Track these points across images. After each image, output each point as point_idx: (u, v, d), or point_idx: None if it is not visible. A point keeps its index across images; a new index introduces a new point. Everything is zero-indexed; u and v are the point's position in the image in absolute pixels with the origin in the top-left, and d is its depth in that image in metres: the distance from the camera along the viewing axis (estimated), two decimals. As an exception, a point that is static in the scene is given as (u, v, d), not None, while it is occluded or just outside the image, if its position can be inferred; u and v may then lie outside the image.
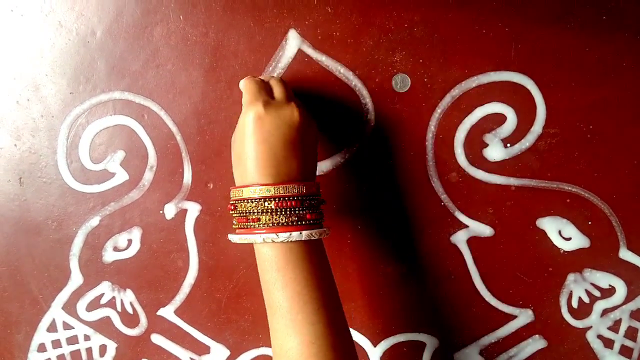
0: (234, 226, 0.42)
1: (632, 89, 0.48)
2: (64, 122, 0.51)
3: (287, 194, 0.39)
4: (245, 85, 0.43)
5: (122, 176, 0.51)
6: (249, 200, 0.40)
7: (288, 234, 0.38)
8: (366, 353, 0.52)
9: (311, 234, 0.39)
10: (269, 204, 0.39)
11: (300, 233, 0.39)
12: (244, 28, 0.49)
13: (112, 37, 0.50)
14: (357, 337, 0.52)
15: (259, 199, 0.39)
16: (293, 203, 0.39)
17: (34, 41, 0.50)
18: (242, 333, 0.52)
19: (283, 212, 0.39)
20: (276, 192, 0.39)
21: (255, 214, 0.39)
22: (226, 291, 0.52)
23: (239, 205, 0.41)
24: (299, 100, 0.45)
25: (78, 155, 0.51)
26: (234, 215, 0.42)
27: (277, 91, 0.44)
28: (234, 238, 0.41)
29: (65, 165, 0.52)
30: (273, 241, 0.39)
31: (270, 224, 0.39)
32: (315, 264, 0.40)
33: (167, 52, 0.50)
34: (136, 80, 0.50)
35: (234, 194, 0.41)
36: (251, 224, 0.40)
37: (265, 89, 0.43)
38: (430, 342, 0.52)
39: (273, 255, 0.39)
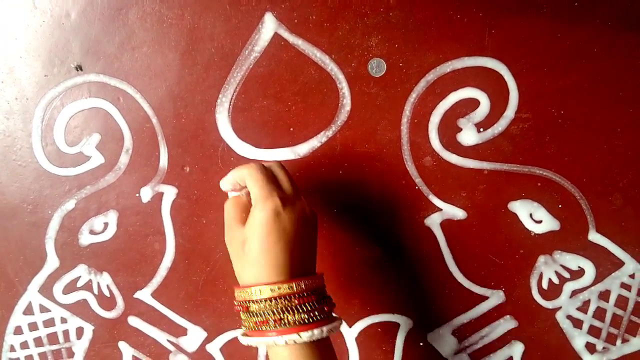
0: (243, 327, 0.40)
1: (603, 74, 0.49)
2: (38, 105, 0.51)
3: (307, 288, 0.38)
4: (251, 176, 0.41)
5: (97, 159, 0.51)
6: (269, 300, 0.38)
7: (310, 332, 0.37)
8: (341, 334, 0.53)
9: (331, 329, 0.38)
10: (290, 302, 0.38)
11: (322, 330, 0.38)
12: (220, 11, 0.49)
13: (87, 19, 0.50)
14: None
15: (279, 297, 0.37)
16: (313, 298, 0.38)
17: (7, 23, 0.50)
18: (219, 315, 0.53)
19: (304, 309, 0.38)
20: (297, 288, 0.38)
21: (277, 313, 0.37)
22: (203, 274, 0.52)
23: (253, 305, 0.38)
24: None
25: (53, 138, 0.51)
26: (245, 317, 0.39)
27: (285, 182, 0.42)
28: (248, 341, 0.39)
29: (41, 148, 0.51)
30: (295, 342, 0.37)
31: (292, 323, 0.37)
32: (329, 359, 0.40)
33: (142, 35, 0.50)
34: (111, 63, 0.50)
35: (245, 294, 0.39)
36: (272, 325, 0.38)
37: (274, 180, 0.42)
38: (404, 323, 0.53)
39: (293, 357, 0.38)
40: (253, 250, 0.39)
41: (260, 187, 0.40)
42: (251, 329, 0.39)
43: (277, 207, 0.39)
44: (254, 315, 0.39)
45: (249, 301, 0.39)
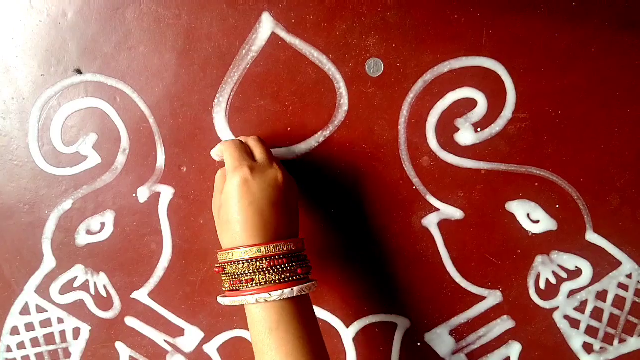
0: (224, 288, 0.42)
1: (600, 74, 0.49)
2: (35, 105, 0.51)
3: (278, 252, 0.40)
4: (226, 149, 0.44)
5: (94, 159, 0.51)
6: (240, 262, 0.40)
7: (280, 291, 0.39)
8: (339, 334, 0.53)
9: (302, 289, 0.40)
10: (260, 263, 0.40)
11: (292, 289, 0.40)
12: (217, 10, 0.49)
13: (84, 19, 0.49)
14: (330, 318, 0.53)
15: (250, 259, 0.40)
16: (284, 260, 0.40)
17: (4, 22, 0.50)
18: (216, 315, 0.53)
19: (275, 270, 0.40)
20: (267, 251, 0.40)
21: (248, 274, 0.40)
22: (200, 274, 0.52)
23: (228, 267, 0.41)
24: (277, 159, 0.46)
25: (50, 138, 0.51)
26: (223, 278, 0.42)
27: (258, 152, 0.45)
28: (224, 301, 0.42)
29: (37, 148, 0.51)
30: (266, 300, 0.39)
31: (264, 283, 0.40)
32: (305, 321, 0.41)
33: (139, 34, 0.49)
34: (108, 63, 0.50)
35: (223, 256, 0.42)
36: (244, 285, 0.40)
37: (246, 151, 0.44)
38: (401, 323, 0.53)
39: (265, 316, 0.40)
40: (226, 216, 0.42)
41: (232, 158, 0.43)
42: (227, 290, 0.42)
43: (245, 175, 0.41)
44: (229, 277, 0.41)
45: (225, 263, 0.42)
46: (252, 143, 0.46)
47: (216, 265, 0.43)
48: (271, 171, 0.43)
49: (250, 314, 0.41)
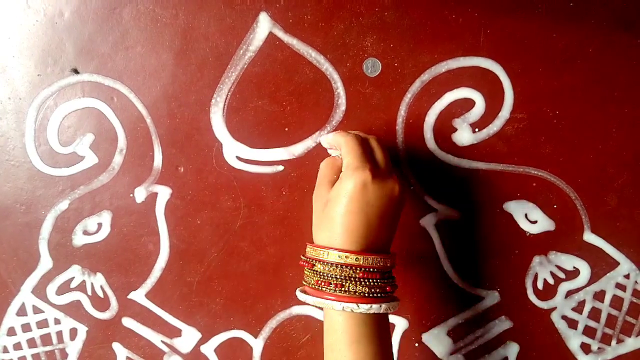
0: (306, 283, 0.41)
1: (598, 74, 0.49)
2: (31, 105, 0.50)
3: (374, 265, 0.39)
4: (347, 142, 0.42)
5: (91, 159, 0.51)
6: (334, 265, 0.39)
7: (369, 305, 0.38)
8: (336, 335, 0.53)
9: (389, 307, 0.39)
10: (354, 272, 0.38)
11: (380, 306, 0.38)
12: (214, 10, 0.49)
13: (81, 18, 0.49)
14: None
15: (345, 265, 0.38)
16: (377, 275, 0.39)
17: (0, 22, 0.49)
18: (214, 316, 0.53)
19: (366, 283, 0.39)
20: (365, 262, 0.38)
21: (339, 279, 0.39)
22: (197, 274, 0.52)
23: (319, 265, 0.40)
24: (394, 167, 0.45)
25: (47, 138, 0.51)
26: (308, 273, 0.41)
27: (380, 157, 0.42)
28: (306, 298, 0.40)
29: (34, 148, 0.51)
30: (352, 310, 0.38)
31: (353, 292, 0.38)
32: (384, 338, 0.40)
33: (136, 34, 0.49)
34: (105, 63, 0.50)
35: (315, 252, 0.40)
36: (333, 288, 0.39)
37: (368, 152, 0.42)
38: (399, 323, 0.52)
39: (348, 327, 0.39)
40: (332, 213, 0.40)
41: (354, 156, 0.41)
42: (311, 286, 0.40)
43: (365, 179, 0.39)
44: (317, 274, 0.40)
45: (316, 260, 0.40)
46: (374, 144, 0.43)
47: (303, 257, 0.41)
48: (390, 181, 0.40)
49: (330, 320, 0.40)
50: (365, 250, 0.39)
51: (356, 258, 0.38)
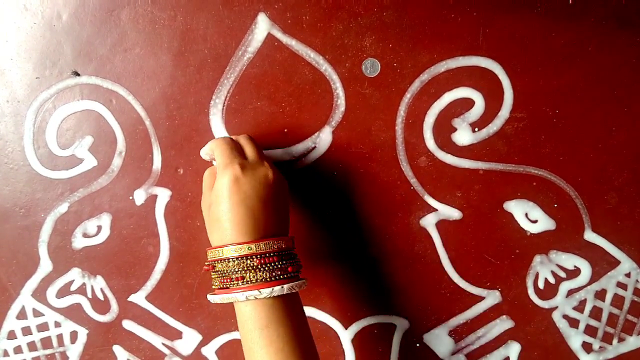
0: (213, 286, 0.42)
1: (597, 73, 0.49)
2: (30, 108, 0.50)
3: (268, 249, 0.40)
4: (217, 146, 0.44)
5: (90, 162, 0.51)
6: (230, 260, 0.40)
7: (270, 289, 0.39)
8: (337, 336, 0.53)
9: (292, 287, 0.40)
10: (251, 261, 0.40)
11: (282, 287, 0.39)
12: (213, 11, 0.49)
13: (79, 21, 0.49)
14: (328, 320, 0.53)
15: (240, 257, 0.40)
16: (274, 258, 0.40)
17: (-2, 24, 0.49)
18: (214, 318, 0.52)
19: (266, 268, 0.40)
20: (257, 249, 0.40)
21: (239, 272, 0.40)
22: (197, 276, 0.52)
23: (218, 265, 0.41)
24: (267, 157, 0.46)
25: (45, 140, 0.51)
26: (213, 275, 0.42)
27: (249, 150, 0.45)
28: (214, 298, 0.42)
29: (33, 151, 0.51)
30: (256, 298, 0.39)
31: (254, 281, 0.40)
32: (295, 319, 0.41)
33: (134, 36, 0.49)
34: (103, 65, 0.50)
35: (212, 254, 0.42)
36: (234, 282, 0.40)
37: (237, 149, 0.44)
38: (400, 324, 0.52)
39: (255, 314, 0.40)
40: (216, 213, 0.41)
41: (223, 155, 0.43)
42: (217, 287, 0.42)
43: (236, 173, 0.41)
44: (218, 274, 0.41)
45: (215, 260, 0.41)
46: (243, 141, 0.46)
47: (206, 263, 0.43)
48: (262, 169, 0.43)
49: (239, 312, 0.41)
50: (256, 238, 0.40)
51: (248, 247, 0.40)
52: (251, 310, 0.40)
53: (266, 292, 0.39)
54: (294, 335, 0.40)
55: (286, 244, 0.42)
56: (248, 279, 0.40)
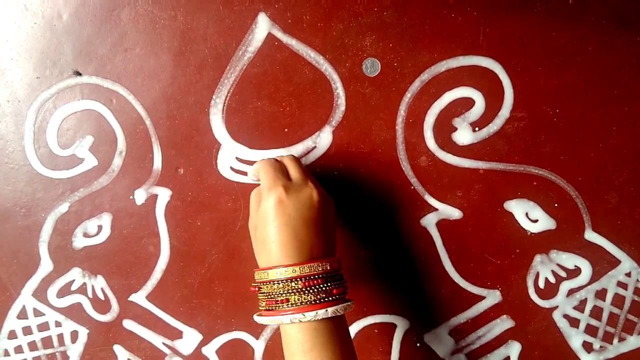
0: (260, 307, 0.42)
1: (598, 73, 0.49)
2: (30, 107, 0.50)
3: (313, 272, 0.40)
4: (261, 168, 0.44)
5: (91, 162, 0.51)
6: (275, 282, 0.40)
7: (315, 312, 0.39)
8: (338, 335, 0.53)
9: (336, 310, 0.40)
10: (295, 284, 0.39)
11: (326, 310, 0.39)
12: (213, 11, 0.49)
13: (79, 20, 0.49)
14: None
15: (285, 279, 0.39)
16: (319, 281, 0.40)
17: (-2, 24, 0.50)
18: (215, 317, 0.52)
19: (310, 291, 0.39)
20: (302, 271, 0.39)
21: (284, 295, 0.40)
22: (198, 276, 0.52)
23: (264, 287, 0.41)
24: (313, 177, 0.46)
25: (46, 140, 0.51)
26: (260, 297, 0.42)
27: (293, 171, 0.44)
28: (261, 320, 0.41)
29: (33, 150, 0.51)
30: (300, 321, 0.39)
31: (299, 303, 0.39)
32: (340, 342, 0.40)
33: (135, 36, 0.49)
34: (104, 65, 0.50)
35: (259, 276, 0.41)
36: (280, 305, 0.40)
37: (281, 170, 0.44)
38: (401, 324, 0.52)
39: (300, 337, 0.39)
40: (262, 235, 0.42)
41: (266, 177, 0.43)
42: (263, 309, 0.41)
43: (280, 195, 0.41)
44: (265, 296, 0.41)
45: (261, 283, 0.41)
46: (287, 162, 0.46)
47: (252, 284, 0.43)
48: (306, 190, 0.42)
49: (285, 333, 0.41)
50: (302, 260, 0.40)
51: (293, 270, 0.39)
52: (296, 332, 0.40)
53: (310, 315, 0.39)
54: (339, 358, 0.40)
55: (332, 265, 0.41)
56: (293, 302, 0.39)
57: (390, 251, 0.51)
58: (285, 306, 0.40)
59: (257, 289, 0.42)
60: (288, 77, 0.50)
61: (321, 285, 0.40)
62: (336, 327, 0.41)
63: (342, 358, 0.40)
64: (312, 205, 0.42)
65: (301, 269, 0.39)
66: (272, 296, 0.40)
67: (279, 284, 0.40)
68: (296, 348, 0.40)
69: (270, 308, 0.41)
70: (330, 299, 0.40)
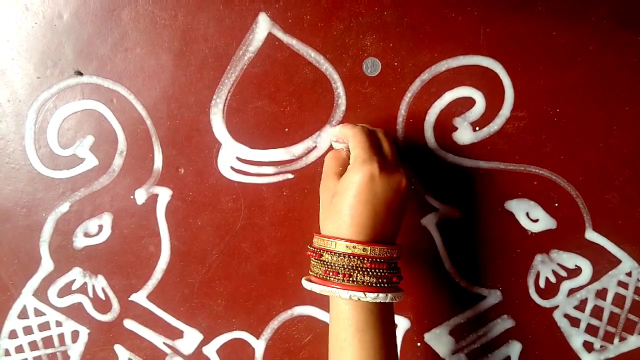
0: (311, 273, 0.42)
1: (598, 72, 0.49)
2: (31, 107, 0.50)
3: (381, 255, 0.39)
4: (355, 135, 0.43)
5: (91, 161, 0.51)
6: (342, 255, 0.39)
7: (376, 294, 0.38)
8: (338, 335, 0.53)
9: (394, 297, 0.40)
10: (362, 262, 0.39)
11: (386, 295, 0.39)
12: (213, 11, 0.49)
13: (80, 20, 0.49)
14: (329, 319, 0.52)
15: (353, 255, 0.39)
16: (384, 265, 0.40)
17: (-1, 24, 0.50)
18: (215, 317, 0.52)
19: (374, 273, 0.39)
20: (372, 252, 0.39)
21: (347, 269, 0.39)
22: (198, 276, 0.52)
23: (326, 255, 0.40)
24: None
25: (46, 140, 0.51)
26: (316, 263, 0.41)
27: (387, 150, 0.43)
28: (312, 286, 0.41)
29: (34, 150, 0.51)
30: (359, 299, 0.38)
31: (361, 282, 0.39)
32: (388, 327, 0.41)
33: (135, 36, 0.49)
34: (105, 64, 0.50)
35: (323, 242, 0.41)
36: (339, 278, 0.39)
37: (376, 144, 0.43)
38: (401, 323, 0.52)
39: (354, 315, 0.39)
40: (340, 205, 0.40)
41: (362, 149, 0.41)
42: (318, 276, 0.41)
43: (373, 172, 0.40)
44: (324, 264, 0.40)
45: (323, 250, 0.40)
46: (381, 136, 0.44)
47: (310, 247, 0.42)
48: (397, 175, 0.41)
49: (336, 308, 0.40)
50: (372, 241, 0.40)
51: (364, 248, 0.39)
52: (350, 310, 0.39)
53: (371, 296, 0.38)
54: (385, 345, 0.39)
55: (397, 253, 0.41)
56: (355, 279, 0.39)
57: (390, 251, 0.51)
58: (346, 281, 0.39)
59: (316, 255, 0.41)
60: (288, 76, 0.50)
61: (385, 270, 0.40)
62: (387, 314, 0.41)
63: (388, 344, 0.40)
64: (400, 190, 0.41)
65: (372, 249, 0.39)
66: (334, 267, 0.39)
67: (345, 257, 0.39)
68: (347, 325, 0.39)
69: (327, 278, 0.40)
70: (388, 285, 0.40)
